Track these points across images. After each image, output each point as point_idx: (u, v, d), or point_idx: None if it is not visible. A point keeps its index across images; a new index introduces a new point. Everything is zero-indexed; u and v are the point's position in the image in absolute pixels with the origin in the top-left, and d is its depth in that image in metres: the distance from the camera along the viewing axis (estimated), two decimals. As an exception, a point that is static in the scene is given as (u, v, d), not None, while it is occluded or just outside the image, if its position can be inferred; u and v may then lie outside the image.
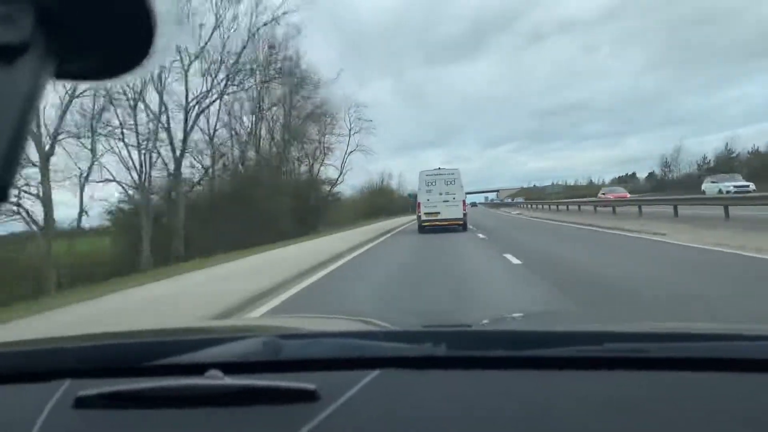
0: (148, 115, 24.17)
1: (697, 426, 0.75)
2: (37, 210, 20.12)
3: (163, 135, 24.57)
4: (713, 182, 27.96)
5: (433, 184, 18.44)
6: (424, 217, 18.30)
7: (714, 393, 0.83)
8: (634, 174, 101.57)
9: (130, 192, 24.53)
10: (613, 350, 0.95)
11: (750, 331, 1.14)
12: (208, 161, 27.67)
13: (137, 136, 23.67)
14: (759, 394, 0.82)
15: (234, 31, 26.13)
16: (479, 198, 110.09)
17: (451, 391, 0.86)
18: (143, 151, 23.96)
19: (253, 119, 31.09)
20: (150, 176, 24.31)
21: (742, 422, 0.75)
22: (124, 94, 22.79)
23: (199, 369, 0.89)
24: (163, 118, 24.69)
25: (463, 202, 18.45)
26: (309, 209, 31.83)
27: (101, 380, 0.92)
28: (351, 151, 40.94)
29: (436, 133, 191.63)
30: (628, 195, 29.19)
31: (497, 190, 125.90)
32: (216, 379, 0.85)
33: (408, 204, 39.97)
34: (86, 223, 24.13)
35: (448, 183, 18.37)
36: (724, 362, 0.89)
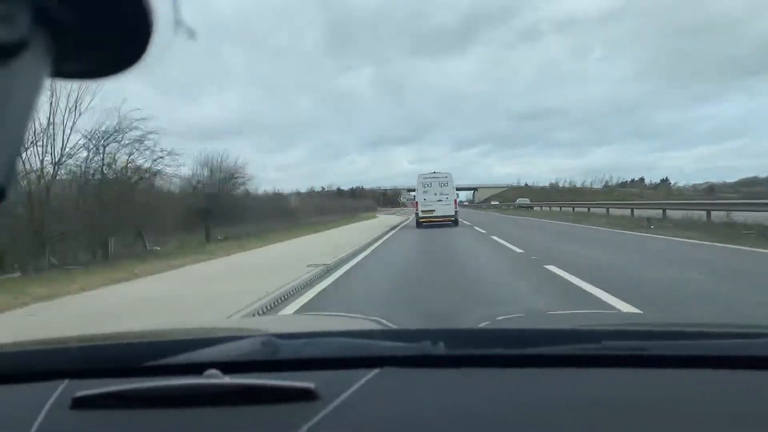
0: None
1: (695, 423, 0.75)
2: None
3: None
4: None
5: (429, 185, 21.34)
6: (421, 215, 21.09)
7: (712, 390, 0.83)
8: (642, 179, 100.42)
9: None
10: (611, 348, 0.95)
11: (748, 328, 1.14)
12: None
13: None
14: (756, 390, 0.83)
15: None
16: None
17: (449, 390, 0.87)
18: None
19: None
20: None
21: (740, 419, 0.76)
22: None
23: (198, 369, 0.89)
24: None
25: (455, 201, 21.59)
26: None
27: (100, 380, 0.91)
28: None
29: (409, 130, 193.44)
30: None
31: (474, 188, 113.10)
32: (215, 378, 0.85)
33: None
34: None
35: (442, 185, 21.36)
36: (722, 359, 0.89)
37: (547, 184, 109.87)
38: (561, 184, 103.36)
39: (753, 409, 0.78)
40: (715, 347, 0.95)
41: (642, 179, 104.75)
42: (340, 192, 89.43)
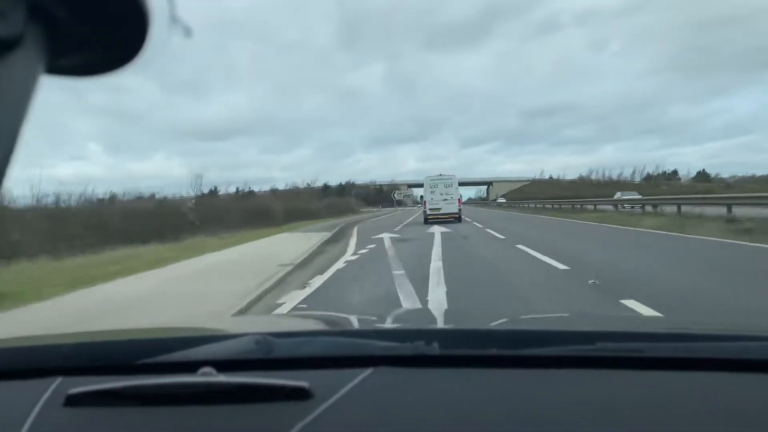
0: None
1: (689, 425, 0.75)
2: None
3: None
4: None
5: (436, 186, 24.52)
6: (428, 212, 24.18)
7: (706, 392, 0.83)
8: (675, 171, 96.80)
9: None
10: (605, 350, 0.95)
11: (742, 331, 1.15)
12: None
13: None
14: (750, 393, 0.83)
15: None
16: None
17: (443, 390, 0.87)
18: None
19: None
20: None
21: (733, 421, 0.76)
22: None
23: (192, 367, 0.88)
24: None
25: (459, 200, 24.72)
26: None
27: (93, 378, 0.91)
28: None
29: (416, 128, 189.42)
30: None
31: (489, 183, 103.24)
32: (209, 376, 0.85)
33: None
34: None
35: (447, 186, 24.53)
36: (715, 362, 0.90)
37: (576, 176, 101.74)
38: (593, 177, 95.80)
39: (747, 412, 0.78)
40: (709, 350, 0.95)
41: (675, 171, 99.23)
42: (326, 188, 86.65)
